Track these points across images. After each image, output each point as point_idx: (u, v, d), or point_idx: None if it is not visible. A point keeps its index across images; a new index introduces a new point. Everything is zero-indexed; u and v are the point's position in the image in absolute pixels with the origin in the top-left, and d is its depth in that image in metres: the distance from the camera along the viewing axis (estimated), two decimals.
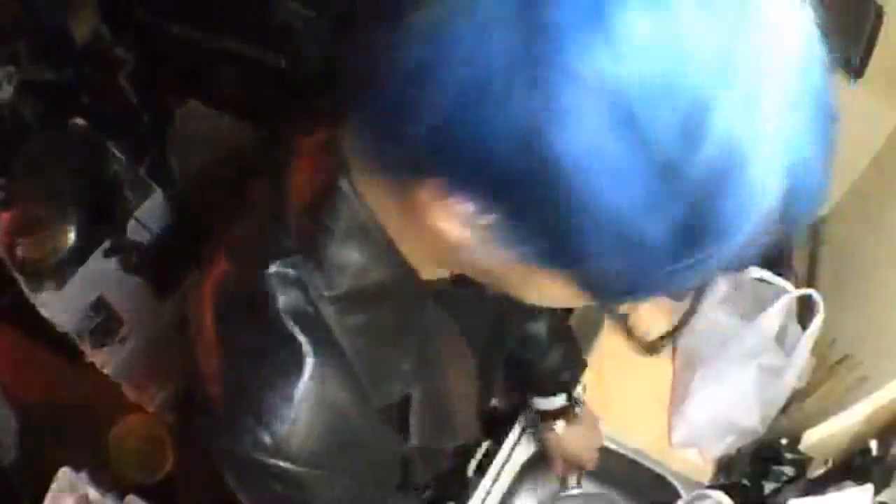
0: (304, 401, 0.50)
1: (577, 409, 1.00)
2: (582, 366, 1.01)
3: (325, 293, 0.50)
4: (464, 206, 0.39)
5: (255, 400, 0.51)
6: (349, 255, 0.50)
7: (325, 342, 0.51)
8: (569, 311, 1.11)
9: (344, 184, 0.48)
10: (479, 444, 1.09)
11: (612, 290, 0.41)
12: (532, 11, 0.32)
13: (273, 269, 0.50)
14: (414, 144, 0.37)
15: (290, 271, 0.50)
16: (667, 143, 0.33)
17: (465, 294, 0.60)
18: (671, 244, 0.35)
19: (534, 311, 0.89)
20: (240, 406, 0.51)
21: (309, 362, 0.50)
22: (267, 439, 0.50)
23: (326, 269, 0.50)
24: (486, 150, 0.35)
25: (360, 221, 0.49)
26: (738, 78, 0.33)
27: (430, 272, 0.54)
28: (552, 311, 0.93)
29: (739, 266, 0.41)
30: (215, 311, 0.54)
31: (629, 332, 1.24)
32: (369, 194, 0.48)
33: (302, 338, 0.50)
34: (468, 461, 1.08)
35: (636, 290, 0.40)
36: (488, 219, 0.39)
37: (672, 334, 1.22)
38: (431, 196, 0.40)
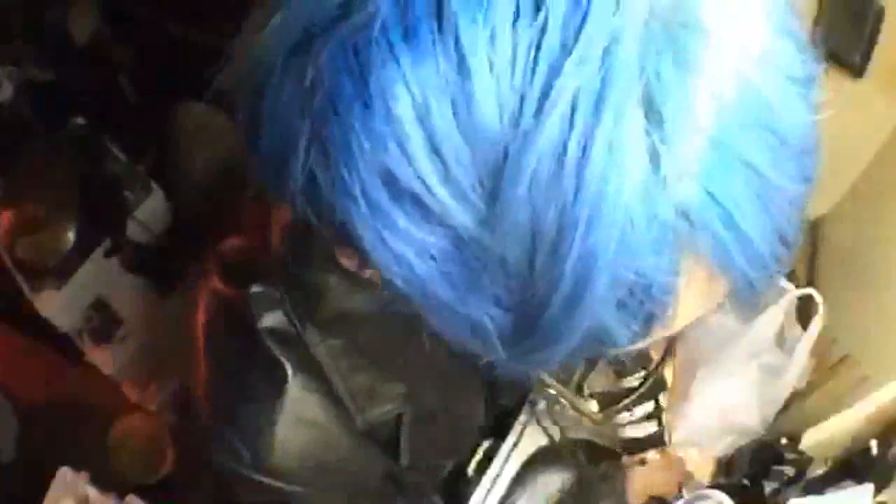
0: (284, 419, 0.51)
1: (667, 437, 0.95)
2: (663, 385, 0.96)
3: (307, 315, 0.51)
4: (347, 260, 0.39)
5: (236, 415, 0.52)
6: (328, 280, 0.50)
7: (306, 363, 0.51)
8: None
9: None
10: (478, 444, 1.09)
11: (495, 363, 0.37)
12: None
13: (256, 289, 0.51)
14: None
15: (274, 292, 0.51)
16: (461, 211, 0.28)
17: None
18: (499, 322, 0.31)
19: None
20: (222, 420, 0.53)
21: (289, 382, 0.51)
22: (246, 454, 0.51)
23: (307, 292, 0.50)
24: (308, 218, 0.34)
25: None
26: (554, 109, 0.26)
27: None
28: None
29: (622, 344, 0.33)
30: (204, 324, 0.55)
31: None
32: None
33: (283, 358, 0.51)
34: (468, 461, 1.08)
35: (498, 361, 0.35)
36: (373, 272, 0.38)
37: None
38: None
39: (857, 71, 1.17)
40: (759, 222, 0.29)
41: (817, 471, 1.01)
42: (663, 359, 0.50)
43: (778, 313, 1.09)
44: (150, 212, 1.53)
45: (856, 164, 1.34)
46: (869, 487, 0.88)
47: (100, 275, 1.50)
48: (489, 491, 1.09)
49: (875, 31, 1.14)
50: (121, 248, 1.50)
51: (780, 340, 1.12)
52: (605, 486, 1.02)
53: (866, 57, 1.16)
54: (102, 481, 1.40)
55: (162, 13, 1.61)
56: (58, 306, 1.47)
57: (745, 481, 1.07)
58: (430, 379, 0.59)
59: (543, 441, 1.15)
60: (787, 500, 0.96)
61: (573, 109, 0.25)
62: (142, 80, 1.67)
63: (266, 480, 0.51)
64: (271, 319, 0.51)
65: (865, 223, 1.28)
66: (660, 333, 0.33)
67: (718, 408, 1.12)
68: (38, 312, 1.46)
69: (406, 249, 0.29)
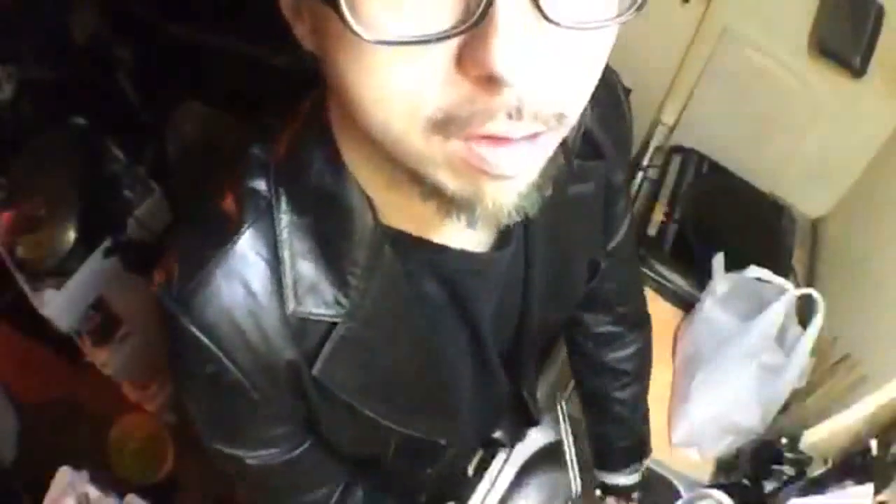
0: (221, 268, 0.51)
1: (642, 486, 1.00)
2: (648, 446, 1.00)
3: (285, 183, 0.53)
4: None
5: (184, 249, 0.54)
6: (314, 156, 0.52)
7: (264, 226, 0.53)
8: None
9: (318, 103, 0.52)
10: (474, 451, 1.08)
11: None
12: None
13: (254, 150, 0.54)
14: None
15: (264, 156, 0.54)
16: None
17: (471, 279, 0.60)
18: None
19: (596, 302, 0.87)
20: (171, 254, 0.54)
21: (241, 236, 0.52)
22: (175, 285, 0.52)
23: (293, 160, 0.53)
24: None
25: (327, 133, 0.51)
26: None
27: (388, 213, 0.54)
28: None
29: None
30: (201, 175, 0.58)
31: None
32: (333, 111, 0.51)
33: (245, 214, 0.52)
34: (468, 461, 1.08)
35: None
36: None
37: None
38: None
39: (857, 71, 1.17)
40: None
41: (817, 471, 1.01)
42: None
43: (778, 313, 1.09)
44: (150, 211, 1.54)
45: (856, 164, 1.35)
46: (869, 487, 0.88)
47: (100, 275, 1.50)
48: (489, 491, 1.09)
49: (875, 31, 1.14)
50: (121, 247, 1.50)
51: (780, 340, 1.12)
52: None
53: (866, 57, 1.16)
54: (102, 481, 1.40)
55: (162, 13, 1.61)
56: (58, 306, 1.47)
57: (745, 481, 1.07)
58: (384, 319, 0.58)
59: (543, 442, 1.15)
60: (787, 500, 0.96)
61: None
62: (142, 80, 1.67)
63: (183, 318, 0.51)
64: (256, 182, 0.53)
65: (865, 223, 1.29)
66: None
67: (718, 408, 1.12)
68: (38, 312, 1.47)
69: None
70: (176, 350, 0.54)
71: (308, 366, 0.56)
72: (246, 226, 0.52)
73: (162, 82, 1.66)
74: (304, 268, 0.53)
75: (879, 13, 1.13)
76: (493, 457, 1.11)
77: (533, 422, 0.93)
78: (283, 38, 0.45)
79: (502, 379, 0.76)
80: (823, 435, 1.03)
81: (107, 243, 1.48)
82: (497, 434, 0.98)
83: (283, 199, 0.53)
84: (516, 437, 1.09)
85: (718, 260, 1.20)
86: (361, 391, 0.60)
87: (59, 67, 1.59)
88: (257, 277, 0.52)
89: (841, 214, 1.41)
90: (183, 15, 1.60)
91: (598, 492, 1.02)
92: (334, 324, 0.55)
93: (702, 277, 1.23)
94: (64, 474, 1.36)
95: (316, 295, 0.54)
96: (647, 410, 0.99)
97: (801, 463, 1.03)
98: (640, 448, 0.99)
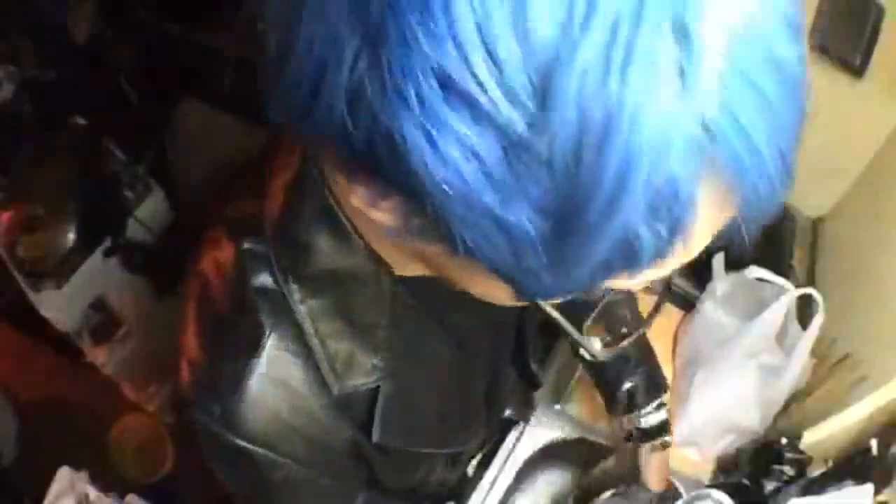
0: (257, 378, 0.51)
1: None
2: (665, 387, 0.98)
3: (292, 271, 0.51)
4: (361, 190, 0.37)
5: (213, 371, 0.52)
6: (317, 237, 0.50)
7: (286, 322, 0.51)
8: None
9: (314, 171, 0.49)
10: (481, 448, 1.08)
11: (518, 278, 0.37)
12: None
13: (246, 245, 0.52)
14: (301, 131, 0.37)
15: (261, 248, 0.52)
16: (512, 112, 0.29)
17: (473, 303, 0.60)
18: (536, 225, 0.32)
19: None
20: (199, 375, 0.53)
21: (267, 341, 0.51)
22: (217, 409, 0.51)
23: (295, 248, 0.51)
24: (343, 134, 0.33)
25: (329, 207, 0.49)
26: (599, 19, 0.28)
27: (403, 264, 0.53)
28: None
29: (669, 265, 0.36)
30: (199, 279, 0.55)
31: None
32: (332, 182, 0.49)
33: (263, 316, 0.51)
34: (468, 461, 1.08)
35: (534, 278, 0.36)
36: (387, 204, 0.37)
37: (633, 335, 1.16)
38: (341, 179, 0.39)
39: (857, 71, 1.17)
40: (768, 140, 0.32)
41: (817, 471, 1.01)
42: (651, 315, 0.49)
43: (778, 313, 1.09)
44: (150, 212, 1.54)
45: (856, 164, 1.35)
46: (869, 487, 0.89)
47: (100, 275, 1.50)
48: (489, 491, 1.09)
49: (875, 31, 1.14)
50: (121, 248, 1.50)
51: (780, 340, 1.12)
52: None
53: (866, 57, 1.16)
54: (102, 481, 1.40)
55: (162, 13, 1.61)
56: (58, 306, 1.47)
57: (745, 481, 1.07)
58: (417, 360, 0.58)
59: (544, 441, 1.15)
60: (787, 499, 0.96)
61: (616, 22, 0.28)
62: (142, 80, 1.67)
63: (233, 438, 0.51)
64: (258, 277, 0.52)
65: (865, 223, 1.28)
66: (679, 256, 0.35)
67: (718, 408, 1.12)
68: (38, 312, 1.47)
69: (455, 151, 0.30)
70: (231, 466, 0.54)
71: (366, 435, 0.56)
72: (268, 329, 0.51)
73: (162, 82, 1.66)
74: (336, 347, 0.53)
75: (879, 13, 1.13)
76: (490, 459, 1.11)
77: (537, 384, 0.93)
78: None
79: (512, 349, 0.77)
80: (823, 435, 1.03)
81: (107, 243, 1.48)
82: (508, 412, 0.98)
83: (295, 289, 0.51)
84: (525, 409, 1.08)
85: (718, 260, 1.20)
86: (417, 436, 0.61)
87: (59, 67, 1.59)
88: (296, 375, 0.52)
89: (841, 214, 1.41)
90: (183, 15, 1.60)
91: (628, 444, 0.99)
92: (375, 387, 0.55)
93: (702, 277, 1.23)
94: (64, 474, 1.36)
95: (354, 368, 0.54)
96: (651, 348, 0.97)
97: (801, 463, 1.03)
98: (658, 379, 0.96)
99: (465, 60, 0.28)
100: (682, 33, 0.29)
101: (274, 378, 0.51)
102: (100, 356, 1.58)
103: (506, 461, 1.11)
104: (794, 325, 1.13)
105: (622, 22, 0.28)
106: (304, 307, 0.51)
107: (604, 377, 0.96)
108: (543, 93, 0.29)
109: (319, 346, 0.52)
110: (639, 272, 0.35)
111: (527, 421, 1.10)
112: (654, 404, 0.96)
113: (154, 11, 1.62)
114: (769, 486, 1.04)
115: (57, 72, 1.59)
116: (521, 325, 0.75)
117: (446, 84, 0.29)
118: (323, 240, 0.50)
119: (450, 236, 0.34)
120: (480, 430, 0.75)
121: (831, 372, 1.09)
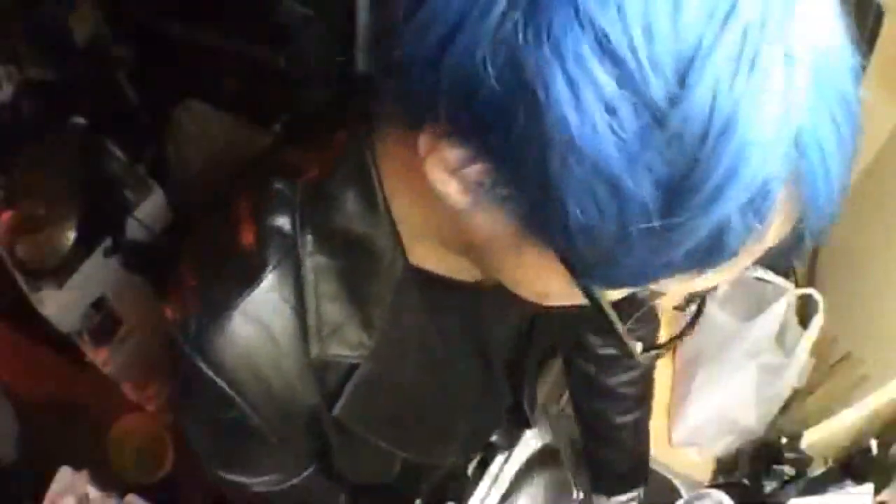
0: (241, 311, 0.50)
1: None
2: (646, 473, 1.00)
3: (311, 222, 0.51)
4: (453, 153, 0.38)
5: (202, 292, 0.51)
6: (345, 194, 0.50)
7: (289, 268, 0.51)
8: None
9: (360, 139, 0.49)
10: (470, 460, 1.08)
11: (594, 261, 0.38)
12: None
13: (277, 185, 0.51)
14: (416, 76, 0.37)
15: (289, 193, 0.51)
16: (655, 82, 0.32)
17: (489, 307, 0.60)
18: (650, 197, 0.34)
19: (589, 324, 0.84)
20: (188, 295, 0.52)
21: (265, 277, 0.50)
22: (193, 329, 0.50)
23: (320, 199, 0.51)
24: (475, 80, 0.34)
25: (367, 172, 0.49)
26: (736, 22, 0.32)
27: (421, 255, 0.53)
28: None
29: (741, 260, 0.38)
30: (214, 201, 0.55)
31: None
32: (381, 153, 0.49)
33: (269, 254, 0.50)
34: (468, 461, 1.08)
35: (616, 259, 0.37)
36: (475, 169, 0.38)
37: (674, 341, 1.20)
38: (427, 142, 0.39)
39: None
40: (838, 165, 0.36)
41: (817, 471, 1.01)
42: (685, 331, 0.49)
43: (778, 313, 1.09)
44: (149, 211, 1.53)
45: (856, 164, 1.35)
46: (869, 487, 0.89)
47: (100, 275, 1.50)
48: (489, 491, 1.09)
49: (875, 31, 1.14)
50: (121, 247, 1.50)
51: (780, 340, 1.12)
52: None
53: (866, 57, 1.16)
54: (102, 481, 1.40)
55: (162, 13, 1.61)
56: (58, 306, 1.47)
57: (745, 481, 1.07)
58: (405, 354, 0.57)
59: (543, 442, 1.15)
60: (787, 499, 0.96)
61: (746, 29, 0.32)
62: (142, 80, 1.67)
63: (199, 362, 0.50)
64: (277, 217, 0.51)
65: (865, 223, 1.29)
66: (744, 259, 0.38)
67: (718, 408, 1.12)
68: (38, 312, 1.46)
69: (597, 109, 0.32)
70: (189, 390, 0.53)
71: (328, 407, 0.55)
72: (269, 268, 0.50)
73: (162, 82, 1.65)
74: (330, 310, 0.52)
75: (879, 13, 1.13)
76: (490, 460, 1.11)
77: (528, 425, 0.92)
78: (284, 38, 0.45)
79: (505, 391, 0.76)
80: (823, 435, 1.03)
81: (107, 243, 1.48)
82: (494, 438, 0.98)
83: (310, 240, 0.51)
84: (512, 440, 1.09)
85: None
86: (378, 425, 0.60)
87: (59, 67, 1.59)
88: (280, 322, 0.51)
89: (841, 214, 1.41)
90: (182, 15, 1.60)
91: None
92: (355, 364, 0.54)
93: None
94: (64, 474, 1.36)
95: (340, 337, 0.53)
96: (647, 434, 0.97)
97: (801, 463, 1.03)
98: (640, 472, 0.99)
99: (625, 26, 0.31)
100: (789, 55, 0.32)
101: (258, 317, 0.50)
102: (100, 356, 1.58)
103: (506, 461, 1.12)
104: (794, 325, 1.13)
105: (751, 30, 0.32)
106: (311, 260, 0.51)
107: (594, 455, 0.99)
108: (685, 73, 0.32)
109: (314, 304, 0.51)
110: (709, 270, 0.37)
111: (509, 448, 1.11)
112: (630, 494, 0.98)
113: (154, 11, 1.62)
114: (769, 486, 1.04)
115: (57, 72, 1.59)
116: (520, 361, 0.74)
117: (602, 44, 0.32)
118: (350, 200, 0.50)
119: (550, 205, 0.35)
120: (453, 450, 0.74)
121: (831, 372, 1.10)
